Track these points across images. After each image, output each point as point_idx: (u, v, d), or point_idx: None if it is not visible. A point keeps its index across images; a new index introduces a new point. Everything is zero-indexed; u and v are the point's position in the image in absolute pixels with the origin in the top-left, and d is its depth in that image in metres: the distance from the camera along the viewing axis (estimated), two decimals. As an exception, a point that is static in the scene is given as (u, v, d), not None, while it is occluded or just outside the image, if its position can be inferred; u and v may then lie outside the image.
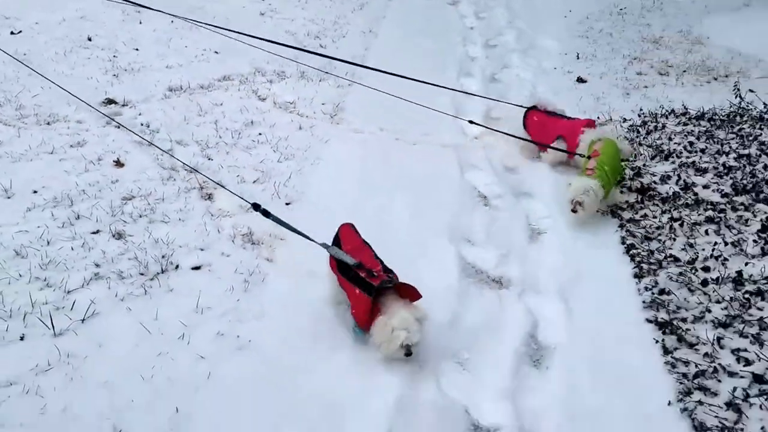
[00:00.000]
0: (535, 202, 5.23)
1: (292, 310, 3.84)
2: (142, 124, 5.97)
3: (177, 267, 4.12)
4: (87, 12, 8.90)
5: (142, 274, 4.00)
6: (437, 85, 6.02)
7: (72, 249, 4.18)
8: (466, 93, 6.77)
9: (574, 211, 4.67)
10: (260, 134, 6.00)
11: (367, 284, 3.43)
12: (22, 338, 3.44)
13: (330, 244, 3.79)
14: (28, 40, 7.67)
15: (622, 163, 5.14)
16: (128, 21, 8.72)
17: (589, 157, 4.99)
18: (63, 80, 6.60)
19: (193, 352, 3.44)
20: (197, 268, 4.14)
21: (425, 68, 7.99)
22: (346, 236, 3.81)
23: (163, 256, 4.17)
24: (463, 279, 4.26)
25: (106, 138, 5.57)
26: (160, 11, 6.48)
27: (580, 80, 7.70)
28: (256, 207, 3.91)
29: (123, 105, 6.36)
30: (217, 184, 4.53)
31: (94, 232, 4.38)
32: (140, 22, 8.81)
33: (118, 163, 5.24)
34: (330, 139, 6.01)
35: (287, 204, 4.93)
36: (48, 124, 5.79)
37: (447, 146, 5.94)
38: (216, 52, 7.81)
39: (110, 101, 6.38)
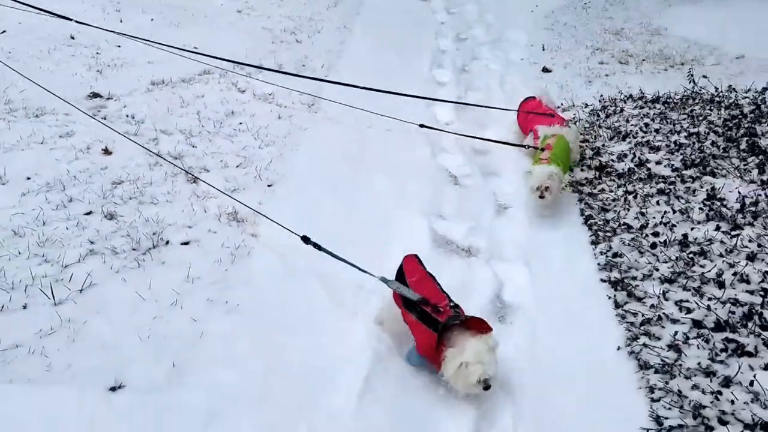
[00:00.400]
0: (501, 180, 5.59)
1: (277, 279, 4.14)
2: (127, 116, 6.21)
3: (167, 243, 4.39)
4: (69, 12, 9.01)
5: (134, 249, 4.28)
6: (404, 95, 6.38)
7: (67, 228, 4.43)
8: (437, 100, 7.05)
9: (541, 197, 4.86)
10: (241, 123, 6.28)
11: (433, 320, 3.28)
12: (24, 307, 3.69)
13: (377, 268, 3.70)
14: (12, 39, 7.86)
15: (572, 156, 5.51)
16: (109, 20, 8.92)
17: (542, 149, 5.31)
18: (48, 76, 6.86)
19: (186, 316, 3.73)
20: (186, 243, 4.42)
21: (399, 61, 8.39)
22: (410, 268, 3.69)
23: (153, 233, 4.44)
24: (434, 249, 4.60)
25: (93, 128, 5.80)
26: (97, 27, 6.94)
27: (545, 70, 8.09)
28: (306, 240, 3.92)
29: (108, 98, 6.59)
30: (264, 216, 4.54)
31: (86, 213, 4.63)
32: (121, 21, 9.03)
33: (107, 151, 5.49)
34: (308, 127, 6.32)
35: (269, 186, 5.21)
36: (37, 116, 6.00)
37: (420, 131, 6.26)
38: (195, 47, 8.04)
39: (95, 95, 6.61)
